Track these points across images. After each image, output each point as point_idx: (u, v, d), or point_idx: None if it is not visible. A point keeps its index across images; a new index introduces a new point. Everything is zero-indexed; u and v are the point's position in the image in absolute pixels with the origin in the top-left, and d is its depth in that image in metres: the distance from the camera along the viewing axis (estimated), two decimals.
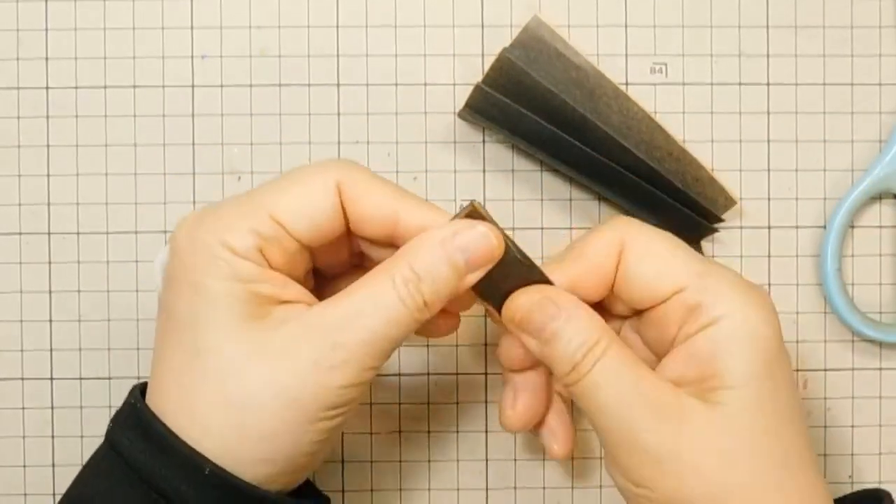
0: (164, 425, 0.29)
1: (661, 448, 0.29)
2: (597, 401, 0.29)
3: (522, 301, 0.31)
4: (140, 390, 0.31)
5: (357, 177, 0.30)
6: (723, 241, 0.39)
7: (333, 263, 0.33)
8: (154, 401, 0.30)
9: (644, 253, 0.31)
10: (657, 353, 0.32)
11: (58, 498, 0.30)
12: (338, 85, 0.38)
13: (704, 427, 0.29)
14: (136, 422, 0.29)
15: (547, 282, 0.31)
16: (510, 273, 0.30)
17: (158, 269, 0.31)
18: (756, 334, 0.29)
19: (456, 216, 0.30)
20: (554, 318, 0.30)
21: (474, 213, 0.30)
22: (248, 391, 0.28)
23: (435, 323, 0.32)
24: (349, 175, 0.30)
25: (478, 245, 0.29)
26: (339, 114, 0.38)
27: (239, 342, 0.28)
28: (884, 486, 0.39)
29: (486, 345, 0.39)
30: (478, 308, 0.38)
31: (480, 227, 0.29)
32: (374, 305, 0.29)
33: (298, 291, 0.30)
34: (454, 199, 0.38)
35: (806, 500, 0.29)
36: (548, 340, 0.30)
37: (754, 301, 0.30)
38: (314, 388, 0.28)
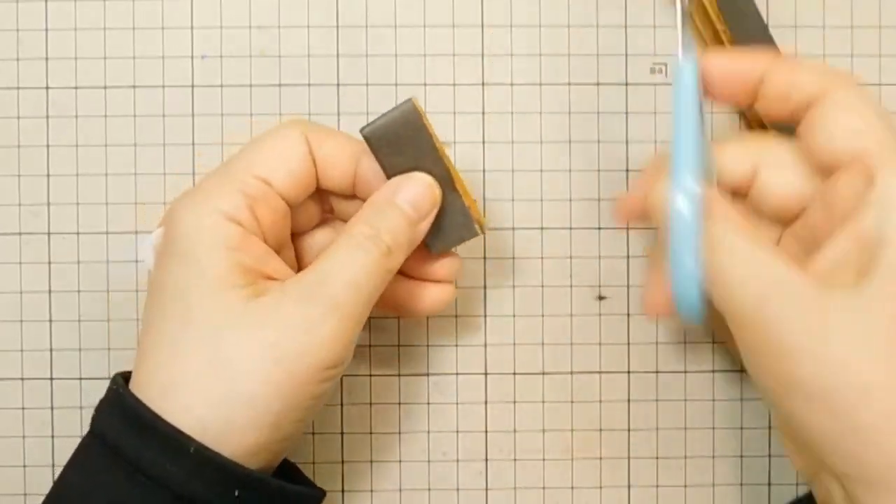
0: (146, 407, 0.29)
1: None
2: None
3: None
4: (122, 378, 0.31)
5: (318, 126, 0.33)
6: None
7: (305, 223, 0.35)
8: (138, 383, 0.30)
9: (842, 106, 0.29)
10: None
11: None
12: (338, 85, 0.38)
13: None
14: (118, 406, 0.30)
15: (448, 179, 0.33)
16: (421, 157, 0.32)
17: (149, 251, 0.32)
18: None
19: (391, 112, 0.32)
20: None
21: (413, 109, 0.32)
22: (236, 353, 0.29)
23: (420, 294, 0.35)
24: (311, 126, 0.33)
25: (419, 193, 0.32)
26: (338, 114, 0.38)
27: (226, 309, 0.29)
28: None
29: (485, 345, 0.39)
30: (477, 310, 0.39)
31: (418, 177, 0.32)
32: (344, 258, 0.31)
33: (279, 266, 0.32)
34: None
35: None
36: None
37: None
38: (303, 345, 0.29)
